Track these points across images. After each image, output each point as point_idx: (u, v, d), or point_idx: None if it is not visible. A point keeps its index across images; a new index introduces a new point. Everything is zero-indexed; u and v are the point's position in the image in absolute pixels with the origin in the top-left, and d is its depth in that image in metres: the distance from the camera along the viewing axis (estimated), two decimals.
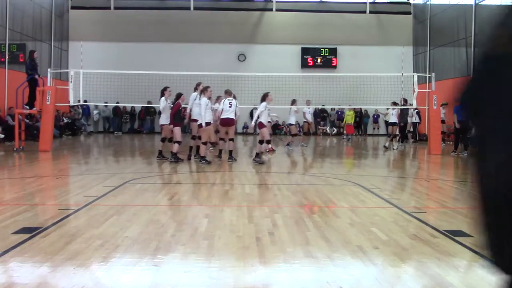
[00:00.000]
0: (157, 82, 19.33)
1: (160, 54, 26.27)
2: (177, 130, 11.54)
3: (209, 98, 11.47)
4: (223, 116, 11.78)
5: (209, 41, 26.88)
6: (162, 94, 11.91)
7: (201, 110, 11.10)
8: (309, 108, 18.00)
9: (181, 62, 24.91)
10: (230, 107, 11.62)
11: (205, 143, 11.48)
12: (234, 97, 12.10)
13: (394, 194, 7.56)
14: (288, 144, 16.36)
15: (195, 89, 12.09)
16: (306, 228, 5.01)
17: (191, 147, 12.43)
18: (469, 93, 1.25)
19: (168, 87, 12.08)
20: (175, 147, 11.53)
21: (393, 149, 16.88)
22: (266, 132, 11.74)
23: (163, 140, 12.23)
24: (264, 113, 11.66)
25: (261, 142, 11.73)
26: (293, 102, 16.58)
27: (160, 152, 12.15)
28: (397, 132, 17.35)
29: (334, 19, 27.54)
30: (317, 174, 10.26)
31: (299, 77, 24.46)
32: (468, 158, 13.53)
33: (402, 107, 17.01)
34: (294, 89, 21.39)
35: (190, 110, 12.10)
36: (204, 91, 11.28)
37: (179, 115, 11.66)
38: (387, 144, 17.06)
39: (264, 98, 11.82)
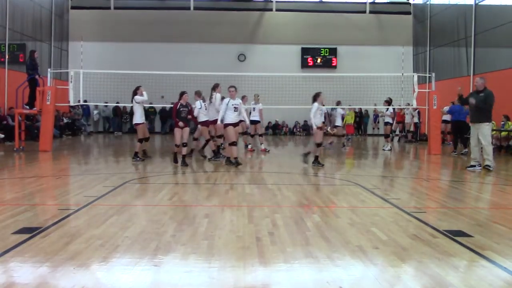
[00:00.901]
0: (157, 82, 19.38)
1: (160, 54, 26.28)
2: (176, 132, 11.21)
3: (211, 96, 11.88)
4: (200, 120, 12.17)
5: (209, 41, 26.89)
6: (135, 93, 11.86)
7: (221, 109, 11.16)
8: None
9: (181, 62, 24.94)
10: (206, 109, 12.17)
11: (234, 143, 11.15)
12: (203, 100, 12.33)
13: (394, 194, 7.55)
14: (344, 145, 17.00)
15: (213, 90, 12.35)
16: (306, 228, 5.01)
17: (215, 148, 12.50)
18: None
19: (140, 86, 12.09)
20: (175, 149, 11.52)
21: (383, 149, 16.83)
22: (320, 135, 11.27)
23: (140, 140, 11.93)
24: (317, 114, 11.13)
25: (319, 145, 11.31)
26: (338, 103, 16.88)
27: (145, 152, 12.26)
28: (388, 132, 17.34)
29: (334, 19, 27.54)
30: (317, 174, 10.26)
31: (299, 77, 24.47)
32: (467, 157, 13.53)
33: (388, 107, 16.93)
34: (294, 89, 21.41)
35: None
36: (228, 90, 11.33)
37: (180, 116, 11.16)
38: (386, 148, 16.96)
39: (315, 98, 11.19)
